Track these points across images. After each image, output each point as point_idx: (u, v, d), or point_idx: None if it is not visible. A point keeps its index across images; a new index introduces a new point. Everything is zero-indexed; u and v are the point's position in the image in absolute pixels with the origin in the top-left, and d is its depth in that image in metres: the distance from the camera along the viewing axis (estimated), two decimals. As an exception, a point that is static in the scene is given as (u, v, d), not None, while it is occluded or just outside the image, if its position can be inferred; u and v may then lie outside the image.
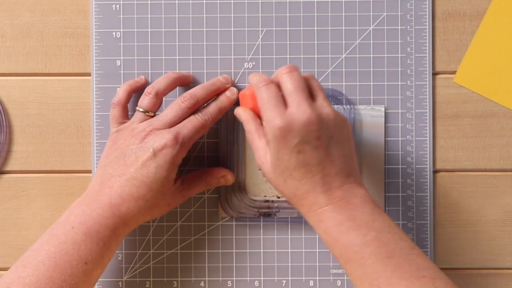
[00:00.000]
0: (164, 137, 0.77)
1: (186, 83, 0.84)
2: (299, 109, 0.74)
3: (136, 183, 0.77)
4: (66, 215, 0.77)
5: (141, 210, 0.77)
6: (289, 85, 0.75)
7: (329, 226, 0.73)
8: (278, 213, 0.84)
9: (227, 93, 0.83)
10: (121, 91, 0.82)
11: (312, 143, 0.73)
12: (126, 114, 0.82)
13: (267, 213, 0.84)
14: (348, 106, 0.85)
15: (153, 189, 0.77)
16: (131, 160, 0.77)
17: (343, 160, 0.75)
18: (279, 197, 0.84)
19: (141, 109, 0.81)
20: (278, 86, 0.76)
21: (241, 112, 0.79)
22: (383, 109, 0.85)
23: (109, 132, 0.82)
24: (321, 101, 0.76)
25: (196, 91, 0.81)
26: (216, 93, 0.82)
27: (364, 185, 0.76)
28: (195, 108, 0.80)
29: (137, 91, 0.84)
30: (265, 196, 0.85)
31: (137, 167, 0.77)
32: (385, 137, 0.85)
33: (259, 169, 0.84)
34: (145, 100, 0.81)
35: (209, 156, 0.86)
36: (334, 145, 0.74)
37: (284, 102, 0.75)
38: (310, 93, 0.76)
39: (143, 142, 0.78)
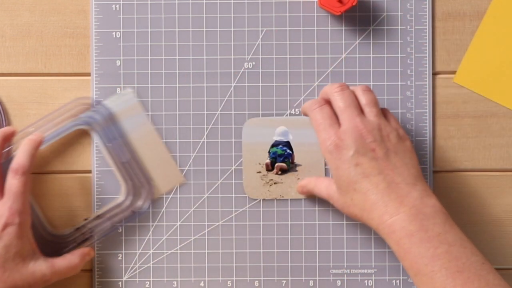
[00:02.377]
0: (2, 217, 0.76)
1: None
2: (350, 124, 0.76)
3: None
4: None
5: None
6: (341, 103, 0.77)
7: (400, 237, 0.72)
8: (95, 234, 0.84)
9: (31, 137, 0.80)
10: None
11: (367, 154, 0.75)
12: None
13: (85, 239, 0.84)
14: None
15: (8, 269, 0.76)
16: None
17: (405, 169, 0.75)
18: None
19: None
20: (330, 105, 0.78)
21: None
22: None
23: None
24: (373, 116, 0.77)
25: None
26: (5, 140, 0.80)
27: (434, 194, 0.75)
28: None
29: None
30: (263, 199, 0.85)
31: None
32: (385, 137, 0.85)
33: (258, 172, 0.85)
34: None
35: (209, 156, 0.86)
36: (393, 155, 0.75)
37: (337, 122, 0.77)
38: (362, 108, 0.78)
39: None
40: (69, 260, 0.81)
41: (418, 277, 0.71)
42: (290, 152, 0.84)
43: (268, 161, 0.85)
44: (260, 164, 0.85)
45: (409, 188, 0.74)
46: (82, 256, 0.82)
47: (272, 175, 0.85)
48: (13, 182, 0.77)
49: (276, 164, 0.84)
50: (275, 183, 0.85)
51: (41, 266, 0.79)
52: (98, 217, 0.84)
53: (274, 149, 0.85)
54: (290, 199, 0.85)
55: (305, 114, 0.81)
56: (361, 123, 0.76)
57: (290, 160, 0.85)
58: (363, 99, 0.78)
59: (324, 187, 0.80)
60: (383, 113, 0.79)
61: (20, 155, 0.78)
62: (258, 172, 0.85)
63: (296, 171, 0.85)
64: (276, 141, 0.85)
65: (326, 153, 0.76)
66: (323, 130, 0.77)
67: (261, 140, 0.85)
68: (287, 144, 0.85)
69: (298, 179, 0.84)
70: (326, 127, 0.77)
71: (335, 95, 0.78)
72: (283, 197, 0.85)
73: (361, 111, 0.77)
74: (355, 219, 0.77)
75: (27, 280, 0.77)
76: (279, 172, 0.85)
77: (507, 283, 0.71)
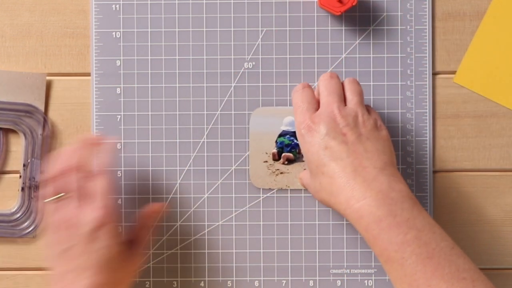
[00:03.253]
0: (92, 218, 0.74)
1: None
2: (326, 109, 0.76)
3: (91, 272, 0.74)
4: None
5: None
6: (324, 90, 0.77)
7: (368, 222, 0.71)
8: (35, 175, 0.83)
9: (99, 139, 0.81)
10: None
11: (338, 138, 0.74)
12: None
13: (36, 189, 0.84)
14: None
15: (109, 269, 0.75)
16: (75, 251, 0.75)
17: (375, 154, 0.74)
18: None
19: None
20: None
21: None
22: None
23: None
24: (353, 104, 0.77)
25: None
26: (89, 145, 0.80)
27: (403, 180, 0.74)
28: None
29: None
30: (269, 189, 0.85)
31: (85, 257, 0.74)
32: (385, 137, 0.85)
33: (264, 161, 0.85)
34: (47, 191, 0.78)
35: (209, 156, 0.86)
36: (365, 141, 0.75)
37: (317, 107, 0.77)
38: (345, 98, 0.78)
39: (74, 229, 0.75)
40: (145, 232, 0.81)
41: (389, 264, 0.71)
42: (297, 142, 0.84)
43: (275, 150, 0.85)
44: (266, 153, 0.85)
45: (377, 172, 0.73)
46: (150, 218, 0.82)
47: (278, 165, 0.85)
48: (97, 183, 0.76)
49: (283, 154, 0.84)
50: (281, 173, 0.85)
51: (136, 251, 0.79)
52: (24, 165, 0.84)
53: (282, 138, 0.84)
54: (291, 196, 0.85)
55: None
56: (337, 108, 0.76)
57: (297, 151, 0.84)
58: (348, 89, 0.78)
59: (305, 176, 0.81)
60: (366, 107, 0.79)
61: (102, 158, 0.79)
62: (264, 162, 0.85)
63: (303, 161, 0.84)
64: (283, 131, 0.84)
65: (299, 136, 0.76)
66: (300, 113, 0.77)
67: (269, 130, 0.84)
68: (294, 135, 0.84)
69: (304, 169, 0.84)
70: (303, 111, 0.77)
71: (321, 83, 0.78)
72: (288, 187, 0.85)
73: (343, 100, 0.78)
74: (325, 204, 0.76)
75: (129, 267, 0.78)
76: (286, 162, 0.84)
77: (477, 267, 0.70)
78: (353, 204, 0.72)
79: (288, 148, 0.84)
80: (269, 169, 0.85)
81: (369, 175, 0.72)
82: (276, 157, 0.85)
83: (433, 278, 0.68)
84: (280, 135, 0.84)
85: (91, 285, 0.74)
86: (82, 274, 0.74)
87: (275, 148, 0.85)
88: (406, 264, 0.69)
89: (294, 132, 0.84)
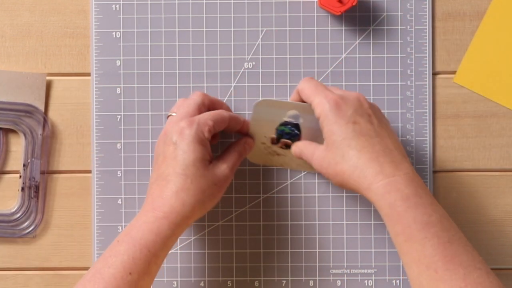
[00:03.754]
0: (180, 124, 0.77)
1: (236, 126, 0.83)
2: (351, 94, 0.78)
3: (172, 178, 0.75)
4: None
5: (185, 203, 0.75)
6: (323, 88, 0.79)
7: (395, 199, 0.72)
8: (35, 175, 0.84)
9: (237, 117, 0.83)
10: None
11: (364, 117, 0.76)
12: None
13: (36, 189, 0.84)
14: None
15: (190, 175, 0.75)
16: (160, 160, 0.77)
17: (395, 141, 0.76)
18: None
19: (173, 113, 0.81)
20: None
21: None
22: None
23: (110, 132, 0.84)
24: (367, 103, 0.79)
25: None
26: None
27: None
28: (203, 100, 0.80)
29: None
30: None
31: (167, 163, 0.76)
32: (385, 137, 0.85)
33: (263, 143, 0.84)
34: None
35: (209, 156, 0.86)
36: (386, 128, 0.77)
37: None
38: None
39: (165, 138, 0.78)
40: (235, 156, 0.81)
41: (409, 244, 0.71)
42: (298, 132, 0.84)
43: (274, 136, 0.84)
44: (265, 137, 0.84)
45: (401, 158, 0.74)
46: (241, 145, 0.83)
47: (276, 148, 0.84)
48: (210, 112, 0.79)
49: (281, 139, 0.84)
50: (277, 155, 0.84)
51: (221, 167, 0.79)
52: (24, 165, 0.84)
53: (282, 127, 0.84)
54: (291, 196, 0.85)
55: (301, 93, 0.81)
56: (360, 95, 0.78)
57: (296, 140, 0.84)
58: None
59: (312, 148, 0.80)
60: None
61: (227, 113, 0.81)
62: (262, 143, 0.84)
63: None
64: (285, 121, 0.84)
65: (326, 111, 0.76)
66: (321, 92, 0.77)
67: (270, 118, 0.83)
68: (296, 126, 0.84)
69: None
70: (324, 90, 0.78)
71: (329, 87, 0.80)
72: (283, 166, 0.85)
73: None
74: (336, 179, 0.76)
75: (212, 180, 0.77)
76: (283, 147, 0.84)
77: (486, 263, 0.72)
78: (381, 179, 0.73)
79: (288, 137, 0.84)
80: (266, 150, 0.84)
81: (396, 158, 0.74)
82: (275, 141, 0.84)
83: (451, 263, 0.69)
84: (281, 124, 0.84)
85: (175, 190, 0.75)
86: (165, 179, 0.76)
87: (275, 134, 0.84)
88: (427, 245, 0.70)
89: (297, 124, 0.84)
